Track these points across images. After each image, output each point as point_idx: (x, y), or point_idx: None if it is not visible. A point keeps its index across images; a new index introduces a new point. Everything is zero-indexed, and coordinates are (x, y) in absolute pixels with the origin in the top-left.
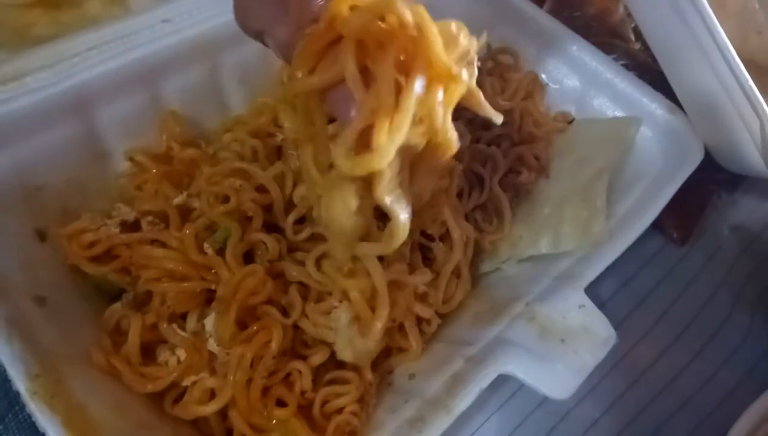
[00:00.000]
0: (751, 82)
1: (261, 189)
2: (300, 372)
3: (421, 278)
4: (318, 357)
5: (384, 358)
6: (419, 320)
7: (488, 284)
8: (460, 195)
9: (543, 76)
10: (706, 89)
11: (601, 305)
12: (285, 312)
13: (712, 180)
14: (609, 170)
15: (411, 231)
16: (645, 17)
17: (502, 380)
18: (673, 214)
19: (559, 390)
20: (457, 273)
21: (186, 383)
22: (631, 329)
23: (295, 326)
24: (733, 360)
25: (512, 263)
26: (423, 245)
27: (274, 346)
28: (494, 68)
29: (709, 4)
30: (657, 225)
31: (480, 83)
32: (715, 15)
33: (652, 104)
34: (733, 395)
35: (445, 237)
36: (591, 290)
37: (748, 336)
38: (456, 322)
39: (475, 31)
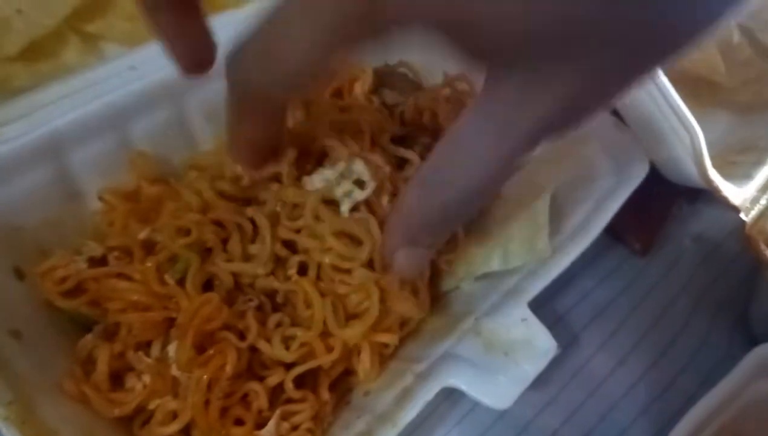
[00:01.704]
0: (680, 102)
1: (220, 223)
2: (257, 392)
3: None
4: (275, 378)
5: (344, 378)
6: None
7: (447, 302)
8: None
9: None
10: (644, 111)
11: (560, 318)
12: (244, 336)
13: (674, 191)
14: (551, 188)
15: None
16: None
17: (462, 393)
18: (635, 226)
19: (501, 400)
20: (415, 294)
21: (152, 406)
22: (588, 341)
23: (255, 349)
24: (690, 367)
25: (469, 280)
26: None
27: (229, 369)
28: (451, 95)
29: None
30: (619, 237)
31: (434, 110)
32: None
33: (599, 122)
34: (691, 401)
35: None
36: (550, 305)
37: (705, 344)
38: (415, 340)
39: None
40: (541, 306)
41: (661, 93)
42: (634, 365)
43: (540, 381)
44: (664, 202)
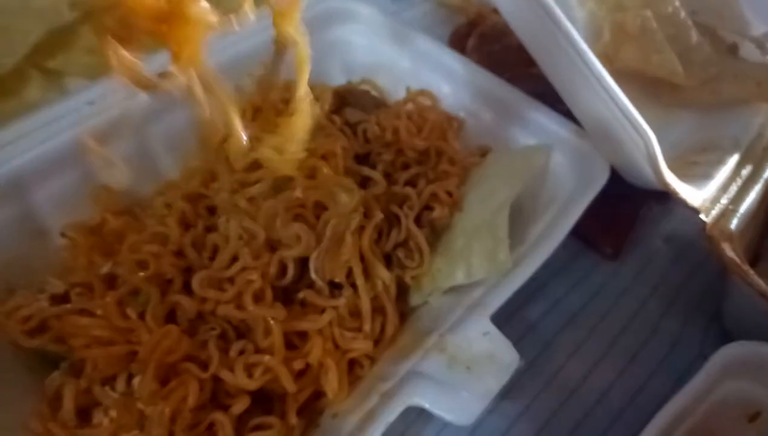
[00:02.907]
0: (630, 107)
1: (181, 252)
2: (222, 422)
3: (327, 316)
4: (239, 406)
5: (314, 400)
6: (352, 363)
7: (416, 318)
8: (380, 236)
9: (462, 112)
10: (598, 116)
11: (531, 327)
12: (206, 366)
13: (642, 192)
14: (510, 201)
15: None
16: (537, 54)
17: None
18: (605, 231)
19: (464, 416)
20: (382, 312)
21: None
22: (560, 348)
23: (218, 378)
24: (662, 369)
25: (437, 295)
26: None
27: (191, 400)
28: (413, 110)
29: (609, 29)
30: (590, 242)
31: (397, 126)
32: (617, 39)
33: (559, 129)
34: (664, 403)
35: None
36: (521, 314)
37: (677, 344)
38: (383, 357)
39: (396, 77)
40: (512, 316)
41: (611, 99)
42: (606, 370)
43: (513, 391)
44: (633, 204)
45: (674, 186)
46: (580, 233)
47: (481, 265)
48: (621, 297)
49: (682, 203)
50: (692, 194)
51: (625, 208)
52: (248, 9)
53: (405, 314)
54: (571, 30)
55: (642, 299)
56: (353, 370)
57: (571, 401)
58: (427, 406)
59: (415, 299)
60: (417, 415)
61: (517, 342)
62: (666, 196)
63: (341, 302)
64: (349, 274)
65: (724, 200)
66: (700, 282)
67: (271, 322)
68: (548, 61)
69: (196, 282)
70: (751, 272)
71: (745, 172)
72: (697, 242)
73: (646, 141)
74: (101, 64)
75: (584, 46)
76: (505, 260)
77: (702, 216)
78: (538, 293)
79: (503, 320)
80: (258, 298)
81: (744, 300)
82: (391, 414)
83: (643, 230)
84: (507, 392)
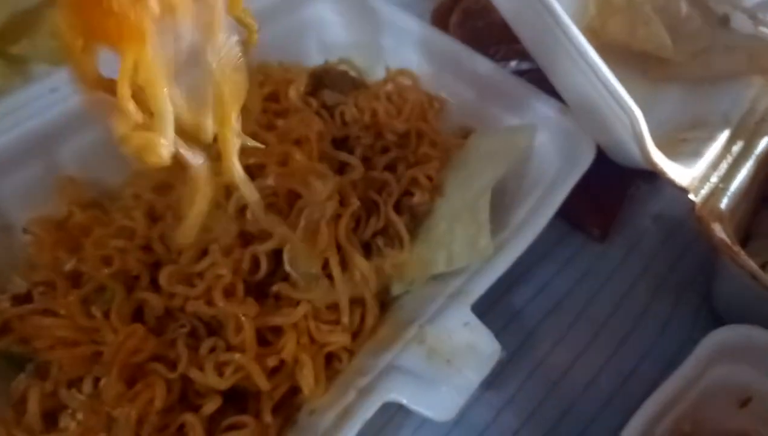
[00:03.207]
0: (614, 82)
1: (148, 247)
2: (192, 424)
3: (301, 310)
4: (210, 406)
5: (291, 397)
6: (329, 357)
7: (397, 307)
8: (358, 224)
9: (443, 92)
10: (581, 93)
11: (516, 313)
12: (176, 365)
13: (629, 171)
14: (492, 184)
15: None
16: (519, 29)
17: None
18: (592, 211)
19: (443, 412)
20: (361, 303)
21: None
22: (546, 335)
23: (188, 377)
24: (652, 352)
25: (419, 283)
26: None
27: (158, 403)
28: (393, 91)
29: (595, 2)
30: (577, 224)
31: (375, 108)
32: (603, 12)
33: (544, 108)
34: (654, 388)
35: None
36: (506, 300)
37: (667, 326)
38: (363, 351)
39: (375, 56)
40: (495, 303)
41: (596, 75)
42: (593, 356)
43: (498, 381)
44: (620, 183)
45: (662, 165)
46: (566, 214)
47: (462, 252)
48: (609, 280)
49: (670, 183)
50: (681, 173)
51: (612, 187)
52: None
53: (386, 303)
54: (554, 3)
55: (631, 281)
56: (331, 364)
57: (558, 389)
58: (404, 402)
59: (396, 288)
60: (397, 408)
61: (500, 331)
62: (654, 175)
63: (316, 294)
64: (326, 265)
65: (714, 179)
66: (690, 263)
67: (242, 318)
68: (531, 37)
69: (163, 277)
70: (742, 252)
71: (736, 148)
72: (686, 221)
73: (632, 119)
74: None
75: (567, 19)
76: (486, 247)
77: (691, 196)
78: (522, 279)
79: (486, 307)
80: (228, 293)
81: (734, 281)
82: (367, 411)
83: (631, 210)
84: (492, 382)
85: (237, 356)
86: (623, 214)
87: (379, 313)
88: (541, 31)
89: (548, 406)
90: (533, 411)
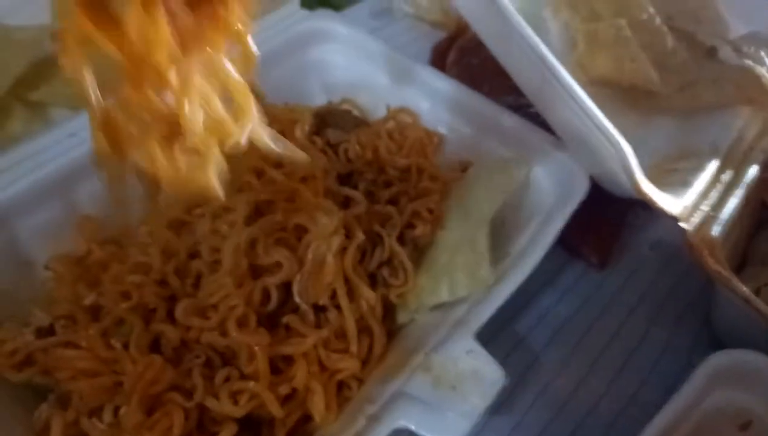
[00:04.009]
0: (600, 117)
1: (164, 281)
2: None
3: (312, 338)
4: (226, 433)
5: (303, 423)
6: (340, 386)
7: (403, 336)
8: (363, 255)
9: (441, 128)
10: (573, 128)
11: (520, 341)
12: (192, 394)
13: (628, 199)
14: (490, 215)
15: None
16: (507, 65)
17: None
18: (591, 240)
19: None
20: (369, 332)
21: None
22: (549, 361)
23: (204, 406)
24: (652, 378)
25: (423, 312)
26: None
27: (176, 430)
28: (394, 128)
29: (583, 39)
30: (576, 253)
31: (377, 145)
32: (590, 48)
33: (538, 141)
34: (656, 412)
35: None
36: (510, 328)
37: (665, 351)
38: (371, 379)
39: (377, 96)
40: (499, 331)
41: (583, 111)
42: (595, 381)
43: (504, 407)
44: (618, 211)
45: (651, 195)
46: (565, 243)
47: (464, 281)
48: (608, 307)
49: (661, 212)
50: (671, 203)
51: (610, 216)
52: None
53: (393, 332)
54: (538, 42)
55: (630, 307)
56: (341, 392)
57: (562, 414)
58: (413, 428)
59: (402, 317)
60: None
61: (505, 357)
62: None
63: (323, 333)
64: (333, 295)
65: (704, 207)
66: (688, 289)
67: (255, 348)
68: (519, 74)
69: (179, 311)
70: (735, 278)
71: (726, 177)
72: (684, 248)
73: (619, 151)
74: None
75: (552, 58)
76: (486, 277)
77: (682, 224)
78: (525, 307)
79: (491, 335)
80: (242, 324)
81: (731, 307)
82: None
83: (629, 237)
84: (497, 408)
85: (251, 384)
86: (622, 241)
87: (386, 341)
88: (528, 70)
89: (553, 431)
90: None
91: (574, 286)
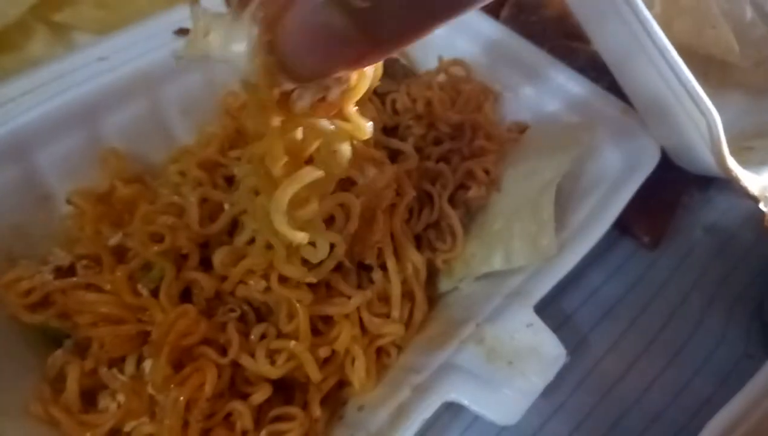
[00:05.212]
0: (694, 82)
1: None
2: (240, 412)
3: (357, 300)
4: (260, 395)
5: (337, 390)
6: (378, 352)
7: (446, 305)
8: (410, 215)
9: (497, 86)
10: (653, 92)
11: (566, 319)
12: (225, 350)
13: (683, 179)
14: (556, 181)
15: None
16: (589, 22)
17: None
18: (643, 218)
19: (507, 415)
20: (411, 297)
21: (127, 428)
22: (597, 342)
23: (237, 363)
24: (706, 368)
25: (469, 281)
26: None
27: (208, 388)
28: (446, 81)
29: (661, 0)
30: (627, 230)
31: (428, 98)
32: (668, 11)
33: (605, 107)
34: (707, 405)
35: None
36: (555, 304)
37: (722, 342)
38: (411, 347)
39: (428, 46)
40: (546, 306)
41: (673, 72)
42: (646, 367)
43: (547, 387)
44: (673, 190)
45: (736, 172)
46: (616, 219)
47: (522, 250)
48: (661, 290)
49: (742, 191)
50: (752, 182)
51: (664, 194)
52: None
53: (432, 299)
54: None
55: (683, 292)
56: (380, 359)
57: (608, 399)
58: (466, 403)
59: (444, 285)
60: (445, 408)
61: None
62: (707, 184)
63: (368, 294)
64: (379, 254)
65: None
66: (743, 277)
67: (297, 305)
68: (600, 28)
69: (218, 259)
70: None
71: None
72: (739, 234)
73: (710, 120)
74: (111, 18)
75: (646, 11)
76: (549, 246)
77: (761, 205)
78: (573, 283)
79: (537, 312)
80: (282, 278)
81: None
82: (427, 410)
83: (682, 219)
84: None
85: (292, 343)
86: (675, 223)
87: (427, 309)
88: (613, 23)
89: (597, 416)
90: (582, 420)
91: (623, 264)
